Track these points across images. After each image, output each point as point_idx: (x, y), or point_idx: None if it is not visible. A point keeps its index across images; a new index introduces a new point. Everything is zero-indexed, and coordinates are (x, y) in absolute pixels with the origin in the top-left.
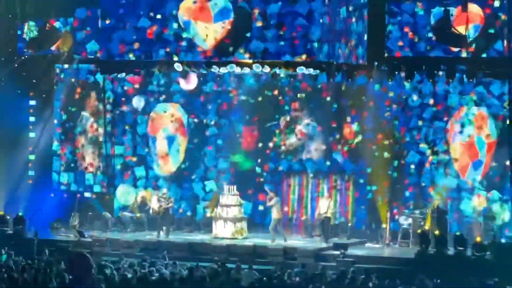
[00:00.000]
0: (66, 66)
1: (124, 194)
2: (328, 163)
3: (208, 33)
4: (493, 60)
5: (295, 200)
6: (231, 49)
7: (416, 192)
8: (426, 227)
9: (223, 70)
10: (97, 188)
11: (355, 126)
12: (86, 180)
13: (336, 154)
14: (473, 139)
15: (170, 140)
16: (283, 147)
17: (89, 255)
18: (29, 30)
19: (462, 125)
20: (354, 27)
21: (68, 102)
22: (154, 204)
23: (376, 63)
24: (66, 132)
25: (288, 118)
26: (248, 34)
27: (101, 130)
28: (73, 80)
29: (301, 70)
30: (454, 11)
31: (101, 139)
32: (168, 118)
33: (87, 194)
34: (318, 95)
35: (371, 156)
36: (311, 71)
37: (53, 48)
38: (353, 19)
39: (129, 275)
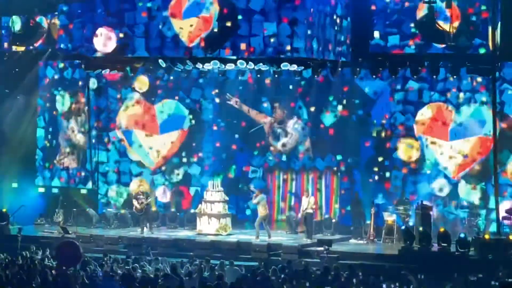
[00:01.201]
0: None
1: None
2: (312, 159)
3: (190, 29)
4: (477, 56)
5: (279, 197)
6: (214, 46)
7: (400, 188)
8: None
9: (207, 66)
10: (81, 185)
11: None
12: (69, 177)
13: (321, 150)
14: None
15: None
16: (271, 147)
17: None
18: (13, 24)
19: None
20: (338, 23)
21: (50, 97)
22: (134, 202)
23: (360, 60)
24: (50, 129)
25: (272, 120)
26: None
27: (83, 128)
28: (56, 77)
29: (285, 66)
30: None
31: (82, 136)
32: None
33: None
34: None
35: (356, 152)
36: (295, 67)
37: (37, 44)
38: (338, 15)
39: (113, 271)
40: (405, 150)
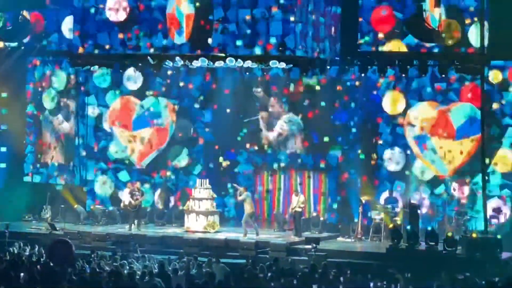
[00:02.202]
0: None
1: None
2: (301, 157)
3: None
4: (465, 55)
5: (268, 194)
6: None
7: (388, 187)
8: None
9: (195, 63)
10: (68, 181)
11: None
12: (57, 173)
13: (310, 149)
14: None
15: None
16: (264, 143)
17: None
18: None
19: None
20: (327, 21)
21: (39, 94)
22: (126, 198)
23: (349, 58)
24: (37, 125)
25: (266, 114)
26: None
27: (69, 124)
28: (45, 73)
29: (274, 64)
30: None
31: (69, 132)
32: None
33: (58, 187)
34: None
35: (343, 150)
36: (284, 65)
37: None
38: (327, 14)
39: (100, 268)
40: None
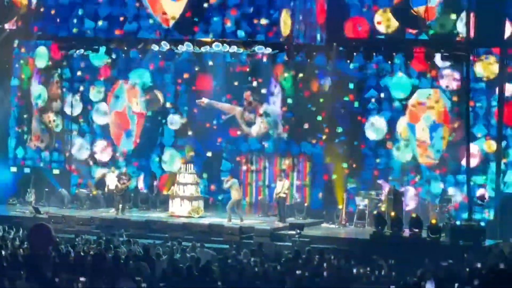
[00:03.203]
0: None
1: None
2: (285, 144)
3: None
4: (451, 43)
5: (253, 181)
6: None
7: (372, 173)
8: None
9: (181, 48)
10: (53, 165)
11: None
12: (42, 157)
13: (294, 135)
14: None
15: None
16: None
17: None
18: None
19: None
20: (313, 8)
21: (24, 78)
22: (111, 182)
23: (335, 44)
24: (22, 109)
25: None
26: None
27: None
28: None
29: (260, 49)
30: None
31: (55, 117)
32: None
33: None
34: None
35: (328, 136)
36: (270, 50)
37: (10, 24)
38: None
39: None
40: None
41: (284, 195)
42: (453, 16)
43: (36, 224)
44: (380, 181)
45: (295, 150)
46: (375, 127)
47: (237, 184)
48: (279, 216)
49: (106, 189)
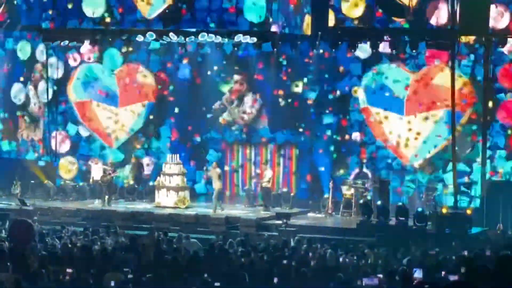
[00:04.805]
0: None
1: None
2: (271, 133)
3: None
4: (436, 31)
5: (239, 170)
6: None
7: (358, 162)
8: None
9: (167, 39)
10: (39, 157)
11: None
12: (27, 149)
13: (280, 124)
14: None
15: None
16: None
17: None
18: None
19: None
20: None
21: (9, 70)
22: (96, 173)
23: (319, 33)
24: (7, 101)
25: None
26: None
27: (41, 100)
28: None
29: (245, 39)
30: None
31: (40, 109)
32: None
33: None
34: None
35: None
36: (255, 40)
37: None
38: None
39: (72, 244)
40: None
41: (268, 185)
42: None
43: (16, 219)
44: (366, 170)
45: (281, 139)
46: None
47: (219, 173)
48: (264, 205)
49: (91, 180)
